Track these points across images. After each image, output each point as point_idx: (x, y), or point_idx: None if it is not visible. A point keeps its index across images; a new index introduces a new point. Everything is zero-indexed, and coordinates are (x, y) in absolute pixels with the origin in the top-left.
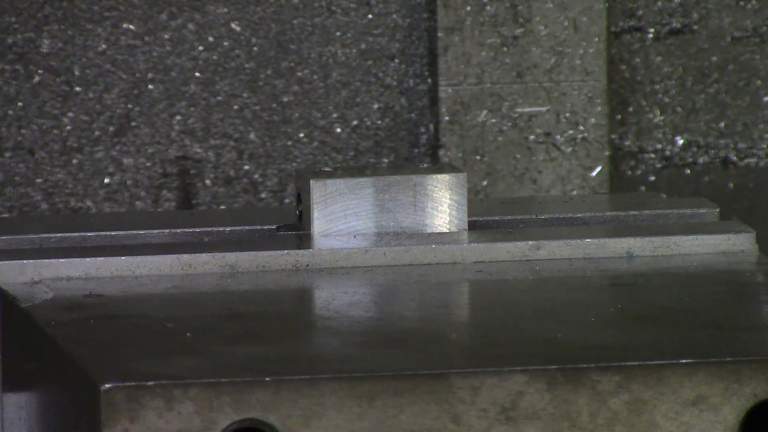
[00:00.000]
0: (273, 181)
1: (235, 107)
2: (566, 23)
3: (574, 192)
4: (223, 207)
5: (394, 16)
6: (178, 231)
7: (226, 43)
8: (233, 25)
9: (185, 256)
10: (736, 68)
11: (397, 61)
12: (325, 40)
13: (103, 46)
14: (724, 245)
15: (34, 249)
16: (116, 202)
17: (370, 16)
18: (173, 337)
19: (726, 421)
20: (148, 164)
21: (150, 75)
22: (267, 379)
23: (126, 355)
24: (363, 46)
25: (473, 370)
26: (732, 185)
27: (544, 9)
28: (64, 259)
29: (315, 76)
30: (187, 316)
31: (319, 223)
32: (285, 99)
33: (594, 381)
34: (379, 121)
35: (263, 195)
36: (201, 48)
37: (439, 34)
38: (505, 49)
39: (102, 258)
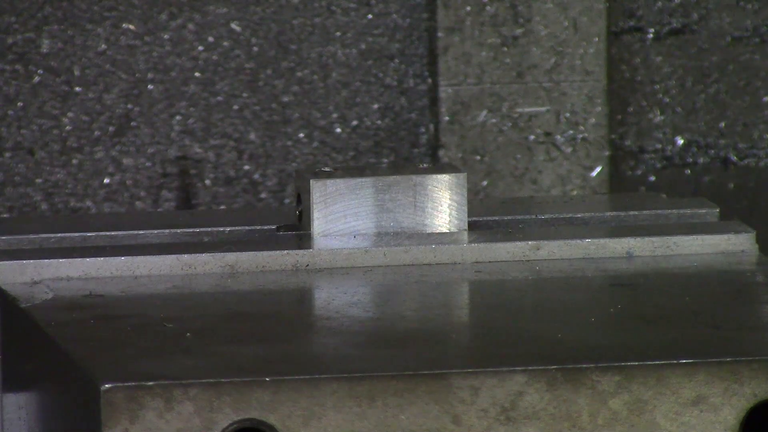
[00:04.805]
0: (273, 181)
1: (235, 107)
2: (566, 23)
3: (574, 192)
4: (223, 207)
5: (394, 16)
6: (178, 231)
7: (226, 43)
8: (233, 25)
9: (185, 256)
10: (736, 68)
11: (397, 61)
12: (325, 40)
13: (103, 46)
14: (724, 245)
15: (34, 249)
16: (116, 202)
17: (370, 16)
18: (173, 337)
19: (726, 421)
20: (148, 164)
21: (150, 75)
22: (267, 379)
23: (126, 355)
24: (363, 46)
25: (473, 370)
26: (732, 185)
27: (544, 9)
28: (64, 259)
29: (315, 76)
30: (187, 316)
31: (319, 224)
32: (285, 99)
33: (594, 381)
34: (379, 121)
35: (263, 195)
36: (201, 48)
37: (439, 34)
38: (505, 49)
39: (102, 258)
